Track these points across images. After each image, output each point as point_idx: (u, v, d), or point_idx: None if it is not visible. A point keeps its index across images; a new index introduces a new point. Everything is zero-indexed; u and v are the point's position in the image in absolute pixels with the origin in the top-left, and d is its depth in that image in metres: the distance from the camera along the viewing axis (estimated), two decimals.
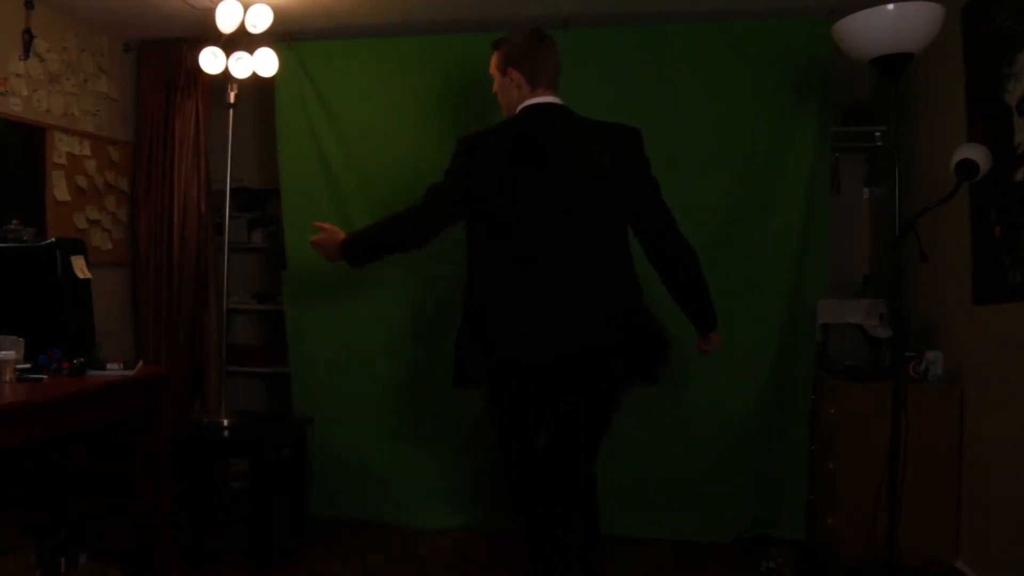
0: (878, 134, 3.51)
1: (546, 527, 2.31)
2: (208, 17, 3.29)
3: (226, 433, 3.20)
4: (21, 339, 2.43)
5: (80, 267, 2.75)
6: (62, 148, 3.43)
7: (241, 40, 3.34)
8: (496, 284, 2.24)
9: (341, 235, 2.38)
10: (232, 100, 3.41)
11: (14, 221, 2.81)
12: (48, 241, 2.75)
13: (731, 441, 3.30)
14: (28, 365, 2.39)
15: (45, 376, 2.36)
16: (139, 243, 3.88)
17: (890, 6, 2.34)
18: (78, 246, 2.83)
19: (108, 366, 2.54)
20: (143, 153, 3.86)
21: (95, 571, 2.67)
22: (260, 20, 3.25)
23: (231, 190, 3.46)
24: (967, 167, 2.48)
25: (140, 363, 2.68)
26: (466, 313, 2.31)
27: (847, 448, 2.91)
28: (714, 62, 3.31)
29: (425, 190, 2.30)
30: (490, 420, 3.43)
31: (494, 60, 2.39)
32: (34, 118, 3.27)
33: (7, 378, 2.24)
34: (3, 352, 2.26)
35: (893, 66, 2.44)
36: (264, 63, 3.40)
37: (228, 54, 3.35)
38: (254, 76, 3.42)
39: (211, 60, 3.34)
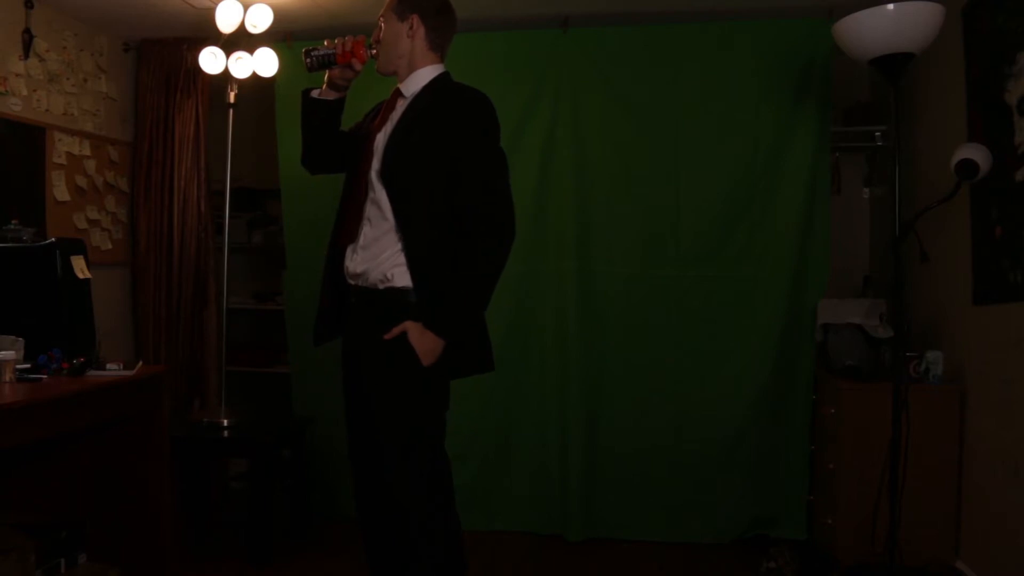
0: (878, 134, 3.51)
1: None
2: (208, 17, 3.29)
3: (226, 433, 3.20)
4: (21, 339, 2.42)
5: (80, 267, 2.74)
6: (62, 148, 3.42)
7: (241, 40, 3.35)
8: None
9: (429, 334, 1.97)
10: (232, 100, 3.42)
11: (14, 221, 2.80)
12: (48, 241, 2.75)
13: (731, 441, 3.31)
14: (28, 365, 2.38)
15: (45, 376, 2.35)
16: (139, 243, 3.87)
17: (890, 6, 2.34)
18: (78, 246, 2.82)
19: (108, 366, 2.53)
20: (143, 153, 3.86)
21: (95, 571, 2.66)
22: (260, 20, 3.25)
23: (231, 190, 3.46)
24: (967, 167, 2.49)
25: (140, 363, 2.68)
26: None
27: (847, 448, 2.91)
28: (714, 62, 3.31)
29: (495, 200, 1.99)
30: (492, 420, 3.46)
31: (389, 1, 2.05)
32: (34, 118, 3.27)
33: (7, 378, 2.24)
34: (3, 352, 2.25)
35: (893, 66, 2.44)
36: (264, 63, 3.40)
37: (228, 54, 3.35)
38: (254, 76, 3.42)
39: (211, 60, 3.34)
